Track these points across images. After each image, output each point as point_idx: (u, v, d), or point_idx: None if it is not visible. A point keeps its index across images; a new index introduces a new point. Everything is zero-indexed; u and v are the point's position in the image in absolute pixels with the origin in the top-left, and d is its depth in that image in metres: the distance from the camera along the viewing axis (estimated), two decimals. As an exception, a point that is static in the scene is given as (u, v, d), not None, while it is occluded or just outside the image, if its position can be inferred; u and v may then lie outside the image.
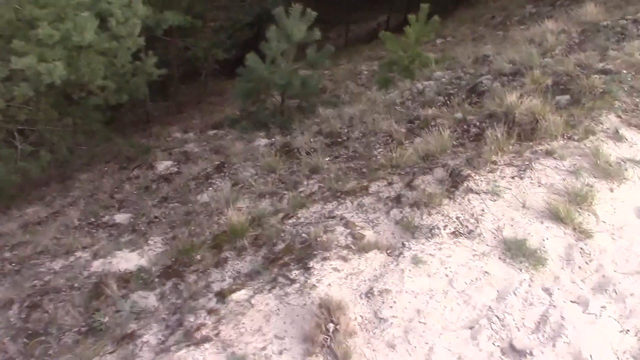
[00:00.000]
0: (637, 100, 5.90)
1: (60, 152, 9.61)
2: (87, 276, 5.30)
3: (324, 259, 4.12)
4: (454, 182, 5.01)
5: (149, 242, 5.79)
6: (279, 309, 3.73)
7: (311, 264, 4.08)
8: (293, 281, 3.94)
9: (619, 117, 5.68)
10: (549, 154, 5.21)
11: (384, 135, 6.82)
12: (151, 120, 12.35)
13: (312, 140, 7.46)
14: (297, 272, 4.03)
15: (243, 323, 3.64)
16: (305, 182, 6.06)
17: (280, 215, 5.20)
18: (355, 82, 11.75)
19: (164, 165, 9.00)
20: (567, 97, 6.22)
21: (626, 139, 5.39)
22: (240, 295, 3.85)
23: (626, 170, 5.05)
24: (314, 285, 3.86)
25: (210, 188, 7.10)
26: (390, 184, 5.29)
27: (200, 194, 6.95)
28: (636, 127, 5.53)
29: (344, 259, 4.13)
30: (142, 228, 6.56)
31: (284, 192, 5.98)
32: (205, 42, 12.60)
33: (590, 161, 5.12)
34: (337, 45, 18.74)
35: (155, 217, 6.68)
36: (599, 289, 4.10)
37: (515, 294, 3.96)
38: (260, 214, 5.20)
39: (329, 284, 3.89)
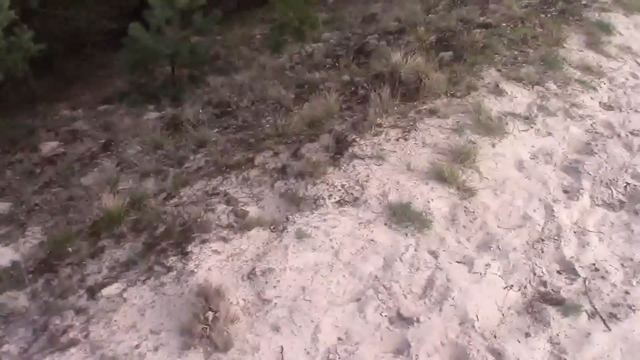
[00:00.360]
0: (515, 53, 5.88)
1: None
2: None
3: (203, 241, 3.84)
4: (339, 148, 4.82)
5: (26, 233, 5.30)
6: (154, 301, 3.43)
7: (189, 248, 3.79)
8: (170, 269, 3.64)
9: (499, 70, 5.65)
10: (432, 112, 5.11)
11: (273, 102, 6.52)
12: (37, 98, 11.46)
13: (201, 111, 7.07)
14: (174, 258, 3.73)
15: (115, 320, 3.32)
16: (191, 157, 5.70)
17: (163, 195, 4.86)
18: (249, 47, 11.33)
19: (49, 147, 8.36)
20: (450, 53, 6.14)
21: (506, 93, 5.36)
22: (112, 289, 3.52)
23: (507, 124, 5.02)
24: (192, 271, 3.58)
25: (96, 169, 6.62)
26: (276, 154, 5.03)
27: (84, 176, 6.45)
28: (515, 80, 5.52)
29: (225, 240, 3.86)
30: (22, 218, 6.03)
31: (170, 169, 5.61)
32: (88, 12, 11.77)
33: (473, 117, 5.05)
34: (230, 9, 18.15)
35: (36, 205, 6.16)
36: (484, 246, 4.05)
37: (401, 260, 3.84)
38: (141, 195, 4.83)
39: (209, 269, 3.62)
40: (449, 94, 5.35)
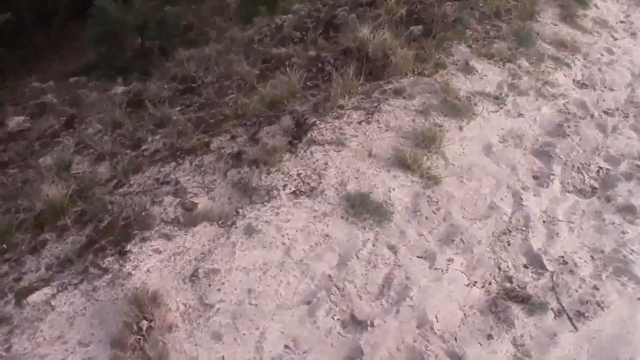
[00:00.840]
0: (487, 27, 5.47)
1: None
2: None
3: (144, 239, 3.46)
4: (298, 132, 4.43)
5: (-26, 220, 4.93)
6: (85, 308, 3.07)
7: (129, 246, 3.42)
8: (105, 271, 3.28)
9: (470, 46, 5.24)
10: (398, 93, 4.71)
11: (238, 78, 6.09)
12: (5, 70, 10.92)
13: (165, 87, 6.63)
14: (111, 259, 3.36)
15: (41, 331, 2.96)
16: (149, 139, 5.28)
17: (113, 183, 4.46)
18: (223, 17, 10.77)
19: (15, 122, 7.88)
20: (420, 27, 5.70)
21: (476, 71, 4.96)
22: (40, 295, 3.15)
23: (476, 105, 4.64)
24: (128, 273, 3.22)
25: (55, 149, 6.19)
26: (233, 137, 4.63)
27: (42, 156, 6.01)
28: (486, 57, 5.11)
29: (168, 237, 3.49)
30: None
31: (126, 151, 5.20)
32: (54, -19, 11.16)
33: (440, 98, 4.66)
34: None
35: (-7, 185, 5.76)
36: (447, 239, 3.71)
37: (357, 257, 3.49)
38: (90, 182, 4.43)
39: (147, 270, 3.26)
40: (416, 72, 4.94)
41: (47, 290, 3.19)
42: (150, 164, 4.64)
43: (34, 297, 3.14)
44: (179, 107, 5.92)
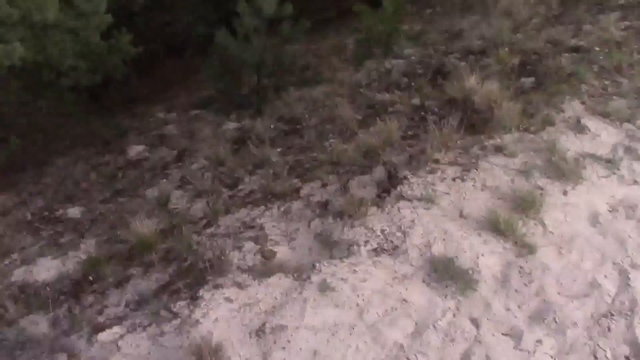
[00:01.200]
0: (605, 82, 5.02)
1: (32, 138, 8.96)
2: (4, 287, 4.69)
3: (217, 286, 3.40)
4: (389, 185, 4.24)
5: (81, 245, 5.14)
6: (149, 353, 3.04)
7: (201, 292, 3.38)
8: (175, 315, 3.25)
9: (583, 103, 4.81)
10: (499, 149, 4.40)
11: (341, 123, 6.02)
12: (138, 99, 11.61)
13: (272, 126, 6.72)
14: (183, 302, 3.33)
15: (105, 372, 2.98)
16: (246, 179, 5.31)
17: (203, 222, 4.49)
18: (339, 58, 10.82)
19: (135, 150, 8.31)
20: (532, 79, 5.36)
21: (588, 130, 4.54)
22: (110, 334, 3.17)
23: (584, 168, 4.22)
24: (197, 321, 3.17)
25: (164, 180, 6.41)
26: (324, 185, 4.53)
27: (151, 187, 6.25)
28: (601, 115, 4.66)
29: (241, 286, 3.41)
30: (85, 226, 5.94)
31: (223, 190, 5.26)
32: (185, 16, 11.76)
33: (545, 157, 4.29)
34: (329, 17, 17.73)
35: (100, 214, 6.02)
36: (537, 317, 3.34)
37: (435, 327, 3.23)
38: (181, 219, 4.49)
39: (216, 319, 3.18)
40: (521, 128, 4.60)
41: (117, 330, 3.20)
42: (242, 205, 4.64)
43: (104, 336, 3.17)
44: (280, 149, 5.93)
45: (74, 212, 6.54)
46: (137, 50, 10.16)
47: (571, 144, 4.41)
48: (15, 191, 8.22)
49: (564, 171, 4.14)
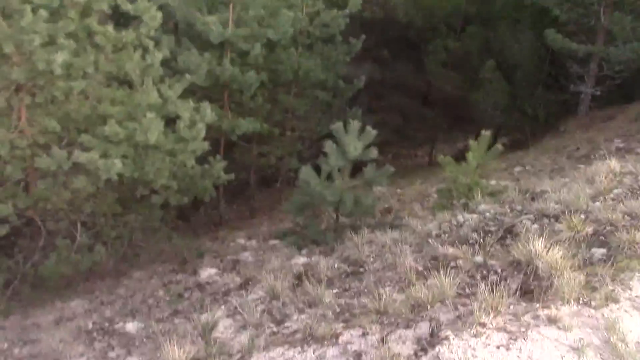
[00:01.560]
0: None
1: (115, 248, 9.48)
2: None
3: None
4: (429, 344, 4.08)
5: (128, 364, 5.27)
6: None
7: None
8: None
9: (655, 284, 4.51)
10: (552, 321, 4.15)
11: (402, 271, 5.96)
12: (223, 222, 12.15)
13: (335, 265, 6.75)
14: None
15: None
16: (294, 317, 5.31)
17: (237, 356, 4.47)
18: (422, 205, 10.92)
19: (207, 273, 8.56)
20: (603, 251, 5.12)
21: (656, 313, 4.22)
22: None
23: (646, 355, 3.88)
24: None
25: (222, 306, 6.51)
26: (364, 334, 4.42)
27: (206, 312, 6.37)
28: (672, 299, 4.34)
29: None
30: (136, 343, 6.07)
31: (270, 325, 5.26)
32: (280, 150, 12.43)
33: (603, 337, 4.00)
34: (421, 164, 18.13)
35: (153, 333, 6.16)
36: None
37: None
38: (218, 350, 4.50)
39: None
40: (581, 301, 4.35)
41: None
42: (278, 344, 4.60)
43: None
44: (336, 290, 5.92)
45: (131, 327, 6.73)
46: (229, 177, 10.75)
47: (635, 326, 4.10)
48: (89, 298, 8.62)
49: (622, 354, 3.82)
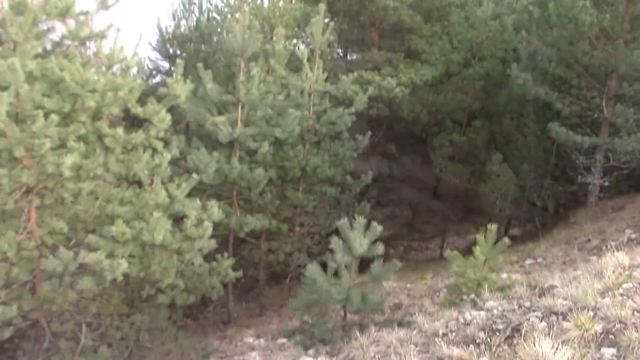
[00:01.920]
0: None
1: (120, 349, 9.31)
2: None
3: None
4: None
5: None
6: None
7: None
8: None
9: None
10: None
11: (406, 375, 5.77)
12: (232, 320, 11.94)
13: (337, 369, 6.56)
14: None
15: None
16: None
17: None
18: (432, 300, 10.71)
19: (213, 375, 8.37)
20: (613, 351, 4.94)
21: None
22: None
23: None
24: None
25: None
26: None
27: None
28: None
29: None
30: None
31: None
32: (289, 246, 12.37)
33: None
34: (433, 257, 17.94)
35: None
36: None
37: None
38: None
39: None
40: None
41: None
42: None
43: None
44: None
45: None
46: (238, 275, 10.65)
47: None
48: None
49: None
